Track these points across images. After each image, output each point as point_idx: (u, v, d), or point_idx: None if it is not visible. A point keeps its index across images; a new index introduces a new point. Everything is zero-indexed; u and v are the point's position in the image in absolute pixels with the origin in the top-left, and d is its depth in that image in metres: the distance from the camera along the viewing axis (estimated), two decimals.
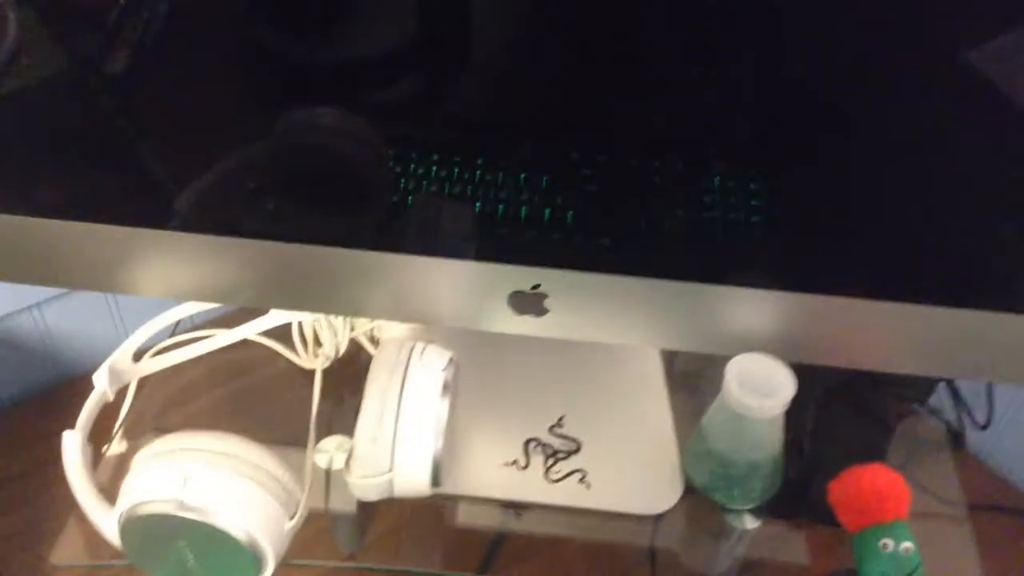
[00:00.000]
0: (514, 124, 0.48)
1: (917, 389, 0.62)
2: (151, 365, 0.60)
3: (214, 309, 0.65)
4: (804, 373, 0.57)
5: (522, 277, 0.50)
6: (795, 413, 0.58)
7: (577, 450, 0.58)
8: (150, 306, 0.61)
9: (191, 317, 0.65)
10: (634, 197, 0.48)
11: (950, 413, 0.66)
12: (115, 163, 0.49)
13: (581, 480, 0.56)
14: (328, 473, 0.54)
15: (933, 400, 0.63)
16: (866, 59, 0.43)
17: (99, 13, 0.43)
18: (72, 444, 0.51)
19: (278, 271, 0.52)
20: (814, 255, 0.49)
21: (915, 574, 0.48)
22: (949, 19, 0.41)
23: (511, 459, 0.58)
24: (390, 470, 0.49)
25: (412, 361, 0.52)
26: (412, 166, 0.48)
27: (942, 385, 0.64)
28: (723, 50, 0.44)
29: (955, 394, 0.64)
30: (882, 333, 0.51)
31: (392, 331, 0.62)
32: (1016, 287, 0.48)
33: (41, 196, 0.50)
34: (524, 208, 0.48)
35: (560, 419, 0.60)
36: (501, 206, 0.48)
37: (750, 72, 0.44)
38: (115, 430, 0.59)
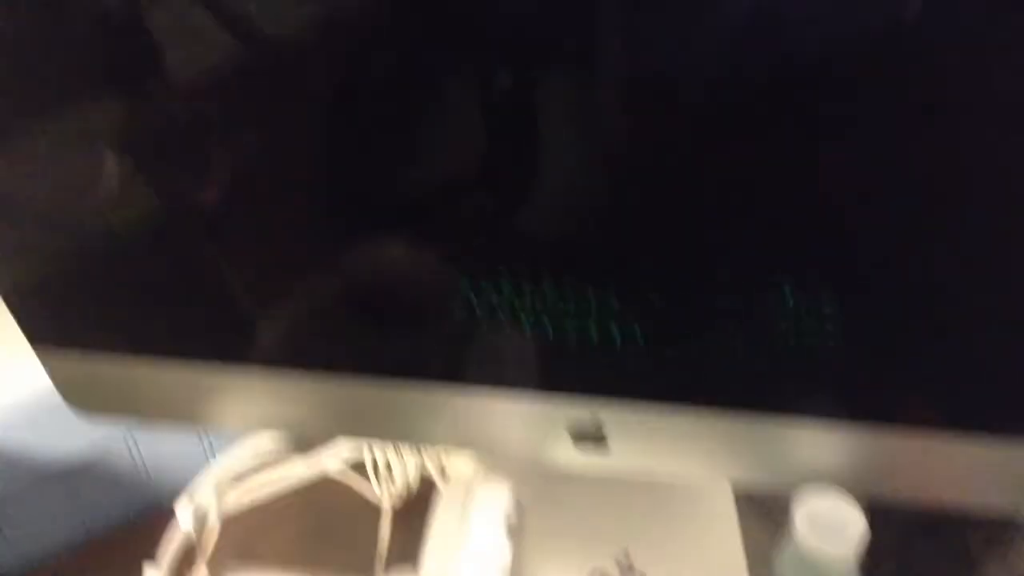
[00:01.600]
0: (580, 247, 0.48)
1: (1002, 523, 0.59)
2: (231, 500, 0.63)
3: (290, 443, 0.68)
4: (882, 510, 0.56)
5: (580, 408, 0.50)
6: (873, 555, 0.56)
7: None
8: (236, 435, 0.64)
9: (270, 452, 0.67)
10: (698, 324, 0.48)
11: None
12: (199, 301, 0.52)
13: None
14: None
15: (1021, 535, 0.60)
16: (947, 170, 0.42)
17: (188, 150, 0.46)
18: None
19: (345, 403, 0.54)
20: (889, 384, 0.47)
21: None
22: None
23: None
24: None
25: (477, 501, 0.52)
26: (476, 295, 0.49)
27: None
28: (791, 169, 0.43)
29: None
30: (962, 467, 0.49)
31: (459, 468, 0.63)
32: None
33: (127, 336, 0.54)
34: (586, 337, 0.48)
35: (626, 553, 0.59)
36: (562, 334, 0.49)
37: (818, 190, 0.44)
38: (195, 565, 0.61)
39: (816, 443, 0.50)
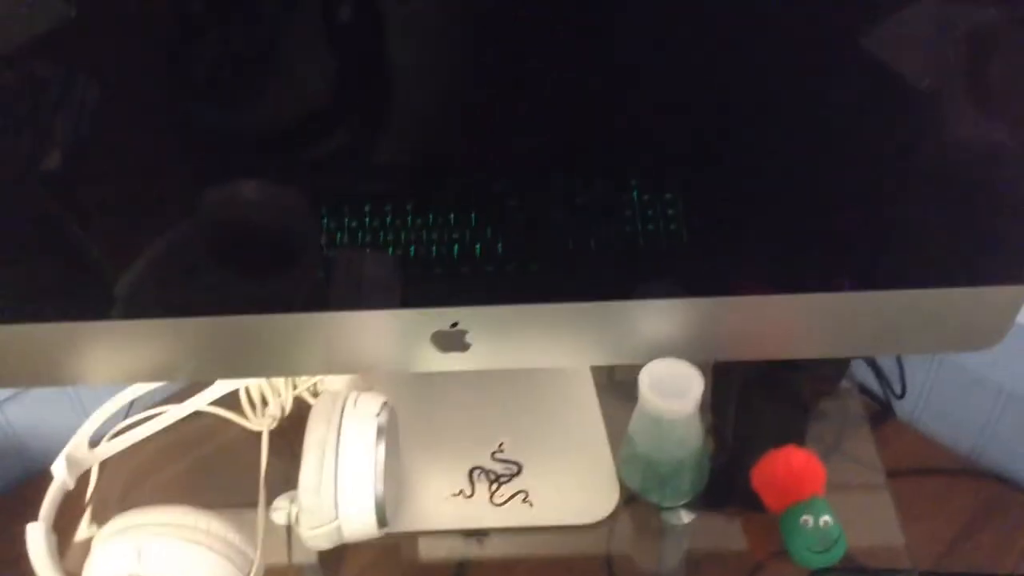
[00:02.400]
0: (415, 163, 0.50)
1: (832, 369, 0.65)
2: (107, 449, 0.63)
3: (166, 386, 0.68)
4: (723, 368, 0.61)
5: (440, 318, 0.53)
6: (717, 407, 0.62)
7: (519, 472, 0.61)
8: (109, 390, 0.64)
9: (144, 396, 0.67)
10: (541, 223, 0.51)
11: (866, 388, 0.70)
12: (52, 260, 0.52)
13: (524, 500, 0.59)
14: (289, 529, 0.57)
15: (848, 377, 0.67)
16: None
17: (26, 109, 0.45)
18: (36, 536, 0.53)
19: (214, 344, 0.55)
20: (714, 260, 0.53)
21: (838, 544, 0.52)
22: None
23: (457, 490, 0.60)
24: (336, 518, 0.52)
25: (346, 411, 0.54)
26: (326, 222, 0.50)
27: (858, 362, 0.68)
28: (625, 74, 0.46)
29: (875, 368, 0.68)
30: (785, 324, 0.55)
31: (332, 384, 0.65)
32: (902, 265, 0.52)
33: None
34: (433, 248, 0.51)
35: (500, 445, 0.63)
36: (411, 248, 0.51)
37: (651, 92, 0.47)
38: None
39: (661, 319, 0.54)
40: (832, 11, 0.43)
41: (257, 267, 0.53)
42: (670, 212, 0.50)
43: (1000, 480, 0.69)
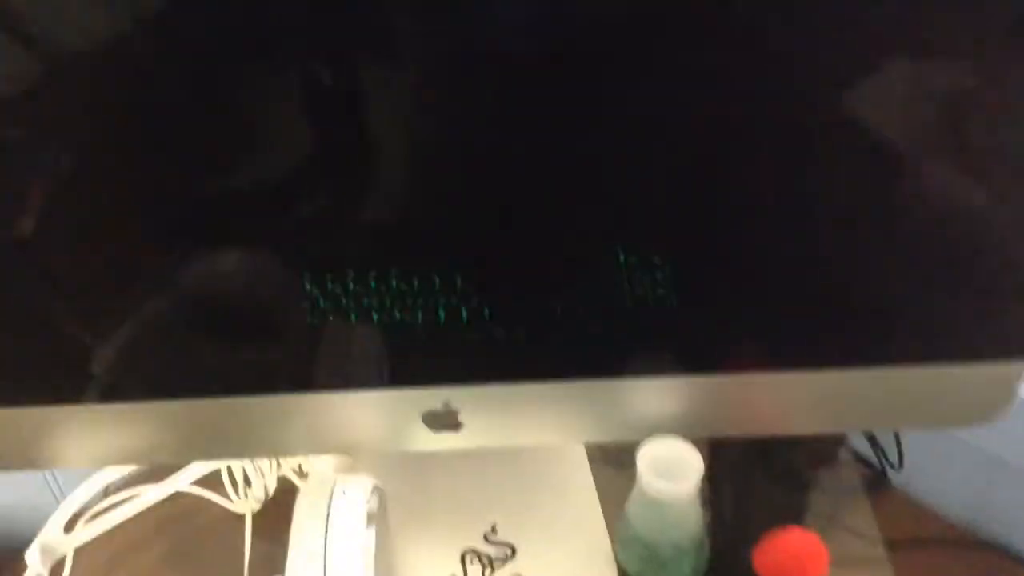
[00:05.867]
0: (401, 228, 0.49)
1: (830, 441, 0.64)
2: (83, 535, 0.61)
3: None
4: (720, 445, 0.60)
5: (431, 398, 0.52)
6: (714, 483, 0.60)
7: (513, 555, 0.59)
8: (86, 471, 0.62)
9: (122, 477, 0.65)
10: (540, 294, 0.49)
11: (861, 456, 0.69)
12: (23, 341, 0.49)
13: None
14: None
15: (845, 446, 0.66)
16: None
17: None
18: None
19: (194, 426, 0.53)
20: (708, 336, 0.51)
21: None
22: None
23: (449, 573, 0.58)
24: None
25: (335, 496, 0.53)
26: (309, 292, 0.48)
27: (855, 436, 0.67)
28: (613, 136, 0.45)
29: (871, 440, 0.67)
30: (782, 401, 0.54)
31: (319, 464, 0.63)
32: (900, 342, 0.51)
33: None
34: (419, 316, 0.49)
35: (493, 526, 0.61)
36: (399, 319, 0.49)
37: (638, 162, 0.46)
38: None
39: (656, 397, 0.53)
40: (819, 80, 0.43)
41: (238, 344, 0.51)
42: (659, 283, 0.49)
43: (999, 551, 0.68)
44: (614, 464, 0.66)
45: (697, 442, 0.53)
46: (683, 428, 0.54)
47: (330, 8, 0.41)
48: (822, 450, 0.64)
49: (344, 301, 0.48)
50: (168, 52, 0.42)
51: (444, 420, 0.53)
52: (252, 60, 0.42)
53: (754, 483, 0.59)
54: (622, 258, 0.48)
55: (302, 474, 0.64)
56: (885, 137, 0.44)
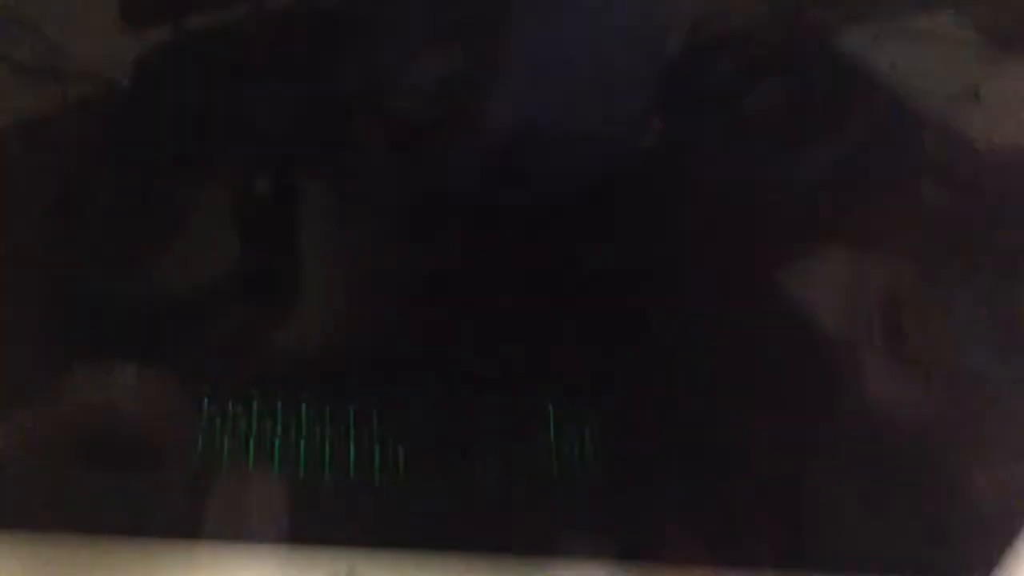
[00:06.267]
0: (315, 357, 0.47)
1: None
2: None
3: None
4: None
5: (334, 560, 0.46)
6: None
7: None
8: None
9: None
10: (461, 449, 0.47)
11: None
12: None
13: None
14: None
15: None
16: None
17: None
18: None
19: (57, 567, 0.46)
20: (652, 520, 0.48)
21: None
22: None
23: None
24: None
25: None
26: (213, 423, 0.45)
27: None
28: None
29: None
30: None
31: None
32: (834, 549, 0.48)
33: None
34: (327, 461, 0.46)
35: None
36: (302, 458, 0.46)
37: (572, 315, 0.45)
38: None
39: None
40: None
41: (119, 473, 0.46)
42: (588, 450, 0.46)
43: None
44: None
45: None
46: None
47: (280, 123, 0.40)
48: None
49: (245, 434, 0.45)
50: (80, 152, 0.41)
51: None
52: (183, 163, 0.41)
53: None
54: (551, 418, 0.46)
55: None
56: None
